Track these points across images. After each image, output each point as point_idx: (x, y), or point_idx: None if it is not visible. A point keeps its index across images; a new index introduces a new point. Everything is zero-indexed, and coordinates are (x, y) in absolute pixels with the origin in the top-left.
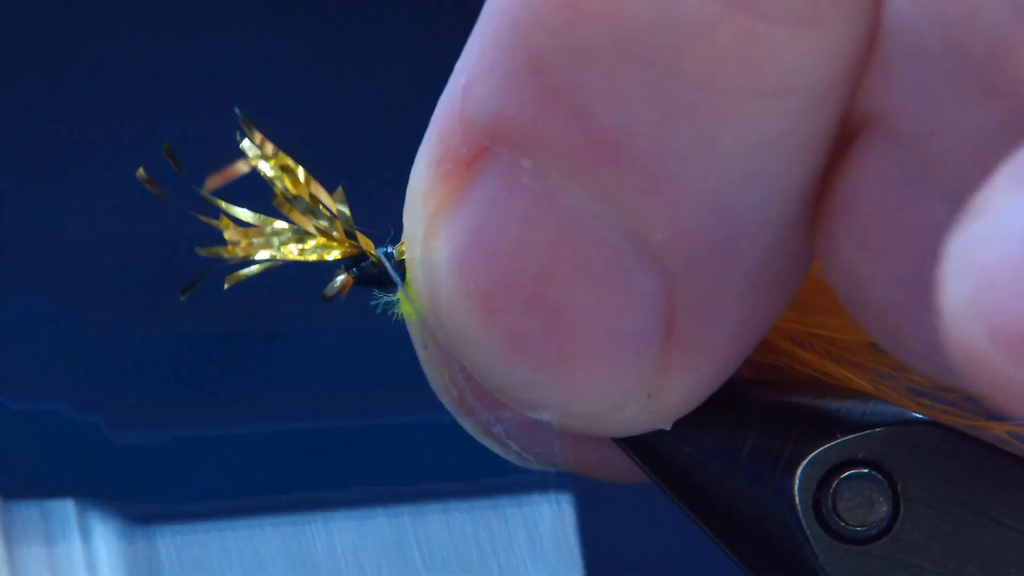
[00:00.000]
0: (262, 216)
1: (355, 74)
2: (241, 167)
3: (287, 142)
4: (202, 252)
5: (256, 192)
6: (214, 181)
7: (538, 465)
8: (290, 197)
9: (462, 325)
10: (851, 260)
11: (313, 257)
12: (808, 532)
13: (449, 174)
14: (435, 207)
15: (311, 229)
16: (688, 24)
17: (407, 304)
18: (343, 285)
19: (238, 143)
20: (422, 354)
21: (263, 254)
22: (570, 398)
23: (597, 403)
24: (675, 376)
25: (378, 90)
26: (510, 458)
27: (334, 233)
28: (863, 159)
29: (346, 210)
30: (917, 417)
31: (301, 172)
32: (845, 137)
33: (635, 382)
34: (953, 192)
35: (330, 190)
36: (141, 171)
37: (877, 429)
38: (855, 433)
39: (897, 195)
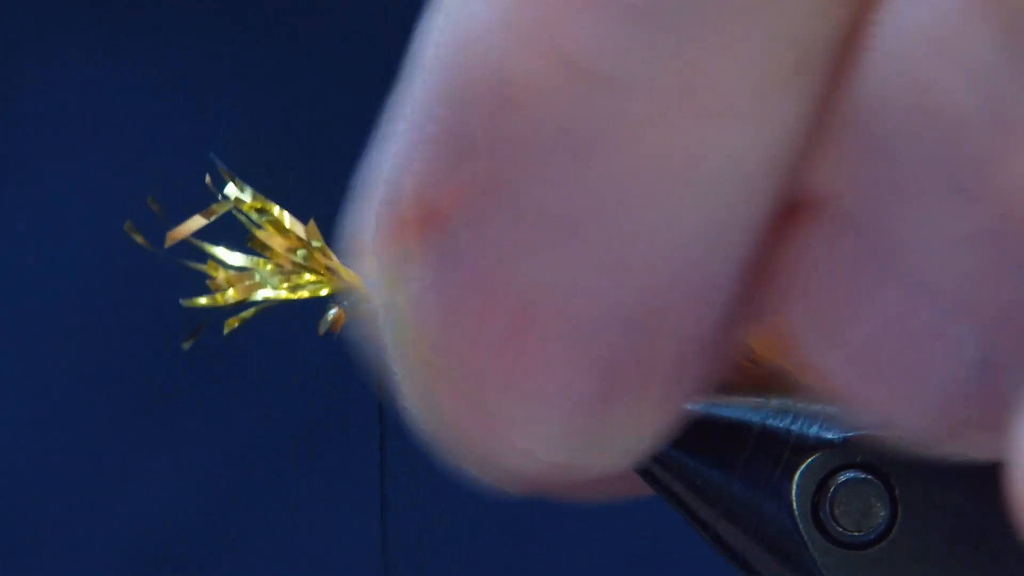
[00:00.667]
0: (252, 258)
1: (345, 90)
2: (207, 216)
3: (264, 174)
4: (186, 304)
5: (234, 231)
6: (178, 233)
7: (521, 491)
8: (267, 239)
9: (407, 389)
10: (804, 340)
11: (306, 294)
12: (806, 537)
13: (383, 244)
14: (378, 275)
15: (292, 267)
16: (622, 119)
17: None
18: (336, 320)
19: (207, 185)
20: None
21: (257, 295)
22: (511, 460)
23: (540, 463)
24: (617, 437)
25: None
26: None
27: (313, 267)
28: (815, 240)
29: (319, 243)
30: None
31: (287, 217)
32: (790, 211)
33: (575, 442)
34: (919, 283)
35: (321, 221)
36: (129, 224)
37: (876, 432)
38: (853, 437)
39: (854, 280)
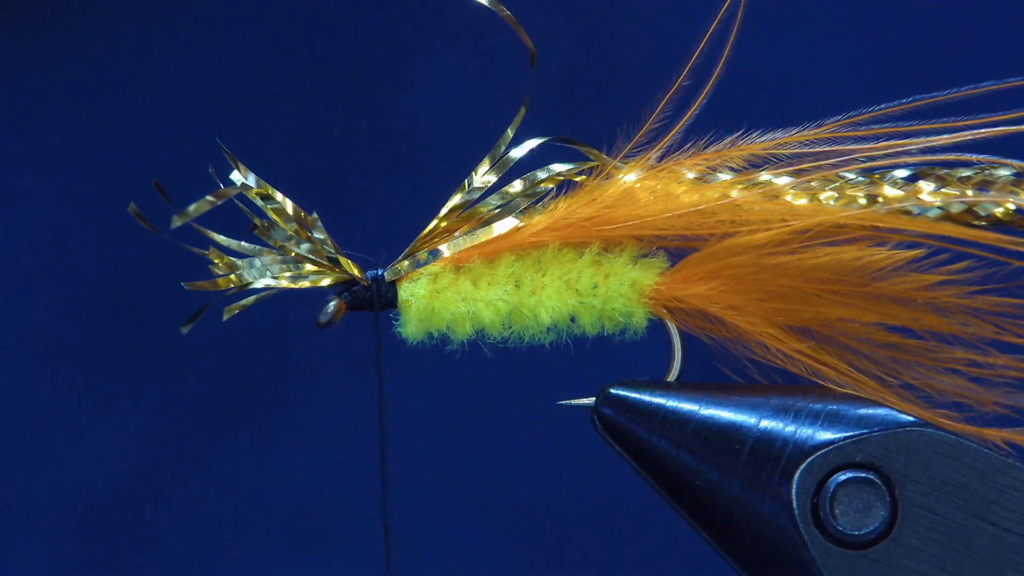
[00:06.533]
0: (252, 245)
1: (347, 94)
2: (213, 199)
3: (269, 163)
4: (188, 286)
5: (239, 221)
6: (184, 216)
7: None
8: (271, 226)
9: None
10: None
11: (307, 284)
12: (806, 537)
13: None
14: None
15: (294, 255)
16: None
17: (406, 324)
18: (336, 311)
19: (211, 173)
20: None
21: (258, 283)
22: None
23: None
24: None
25: (369, 109)
26: None
27: (313, 257)
28: None
29: (321, 235)
30: (914, 421)
31: (290, 204)
32: None
33: None
34: None
35: (325, 215)
36: (133, 207)
37: (874, 433)
38: (853, 437)
39: None
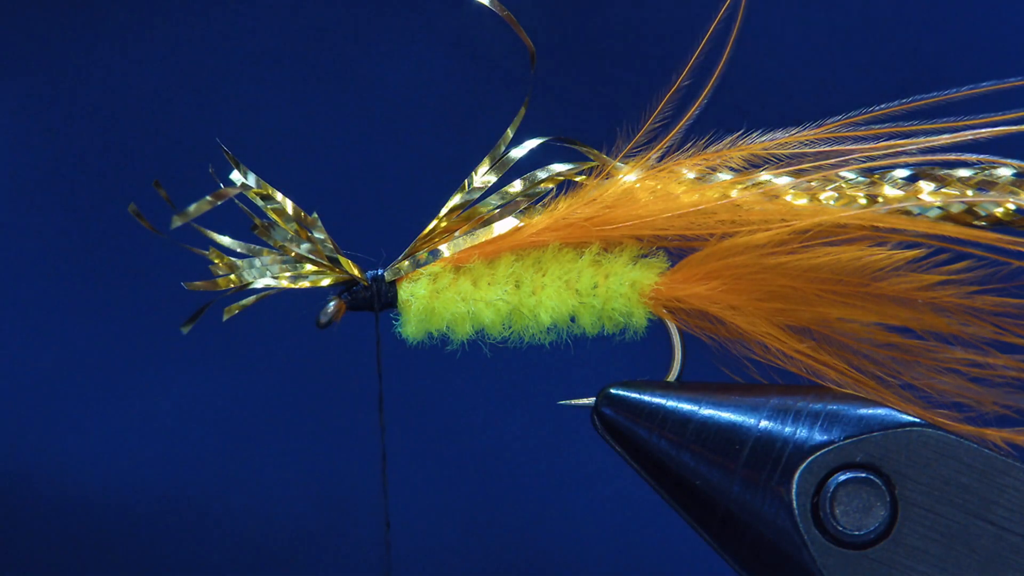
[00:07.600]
0: (251, 245)
1: (353, 89)
2: (214, 199)
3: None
4: (188, 286)
5: (240, 221)
6: (184, 216)
7: None
8: (271, 226)
9: None
10: None
11: (307, 284)
12: (806, 537)
13: None
14: None
15: (294, 255)
16: None
17: (406, 324)
18: (336, 310)
19: (211, 173)
20: None
21: (258, 283)
22: None
23: None
24: None
25: (374, 107)
26: None
27: (313, 257)
28: None
29: (322, 235)
30: (914, 421)
31: (290, 204)
32: None
33: None
34: None
35: (325, 215)
36: (132, 207)
37: (875, 433)
38: (852, 437)
39: None
